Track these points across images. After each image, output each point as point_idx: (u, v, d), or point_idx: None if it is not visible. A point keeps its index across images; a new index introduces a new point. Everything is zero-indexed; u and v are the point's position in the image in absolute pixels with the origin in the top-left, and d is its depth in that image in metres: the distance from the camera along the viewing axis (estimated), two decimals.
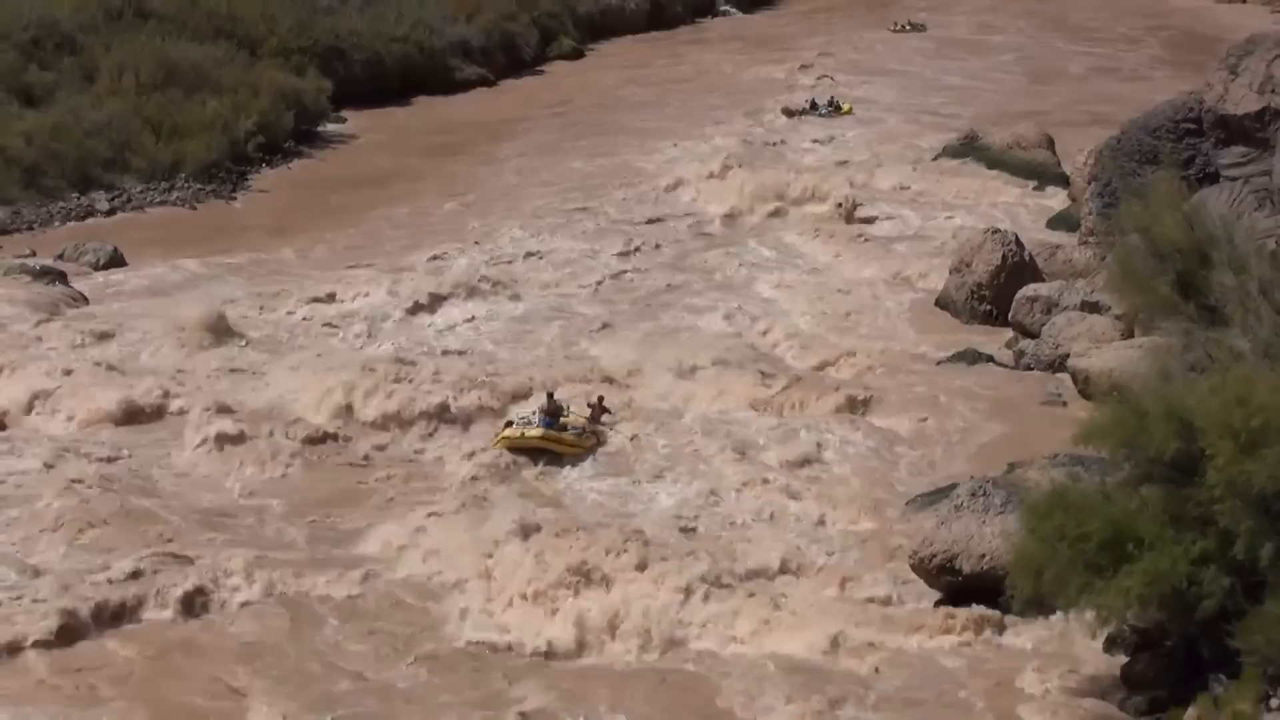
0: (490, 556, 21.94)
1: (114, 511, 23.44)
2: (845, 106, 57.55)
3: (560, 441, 26.72)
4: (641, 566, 21.43)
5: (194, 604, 21.08)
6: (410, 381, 28.39)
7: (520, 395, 28.42)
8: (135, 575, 21.52)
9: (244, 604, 21.23)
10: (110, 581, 21.27)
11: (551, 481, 25.61)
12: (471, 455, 26.39)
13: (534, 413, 27.11)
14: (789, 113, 56.98)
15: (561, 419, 27.00)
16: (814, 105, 57.51)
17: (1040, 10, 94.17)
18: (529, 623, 20.65)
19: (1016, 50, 76.48)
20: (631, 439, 27.12)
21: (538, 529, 22.55)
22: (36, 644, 19.90)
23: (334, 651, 20.26)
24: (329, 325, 32.98)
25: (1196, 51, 60.21)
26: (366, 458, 26.66)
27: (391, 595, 21.65)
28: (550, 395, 27.41)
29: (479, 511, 23.56)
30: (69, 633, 20.20)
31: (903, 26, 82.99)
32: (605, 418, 27.80)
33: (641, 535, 22.38)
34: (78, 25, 52.45)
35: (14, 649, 19.82)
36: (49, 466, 25.01)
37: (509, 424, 27.12)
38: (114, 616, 20.71)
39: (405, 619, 21.10)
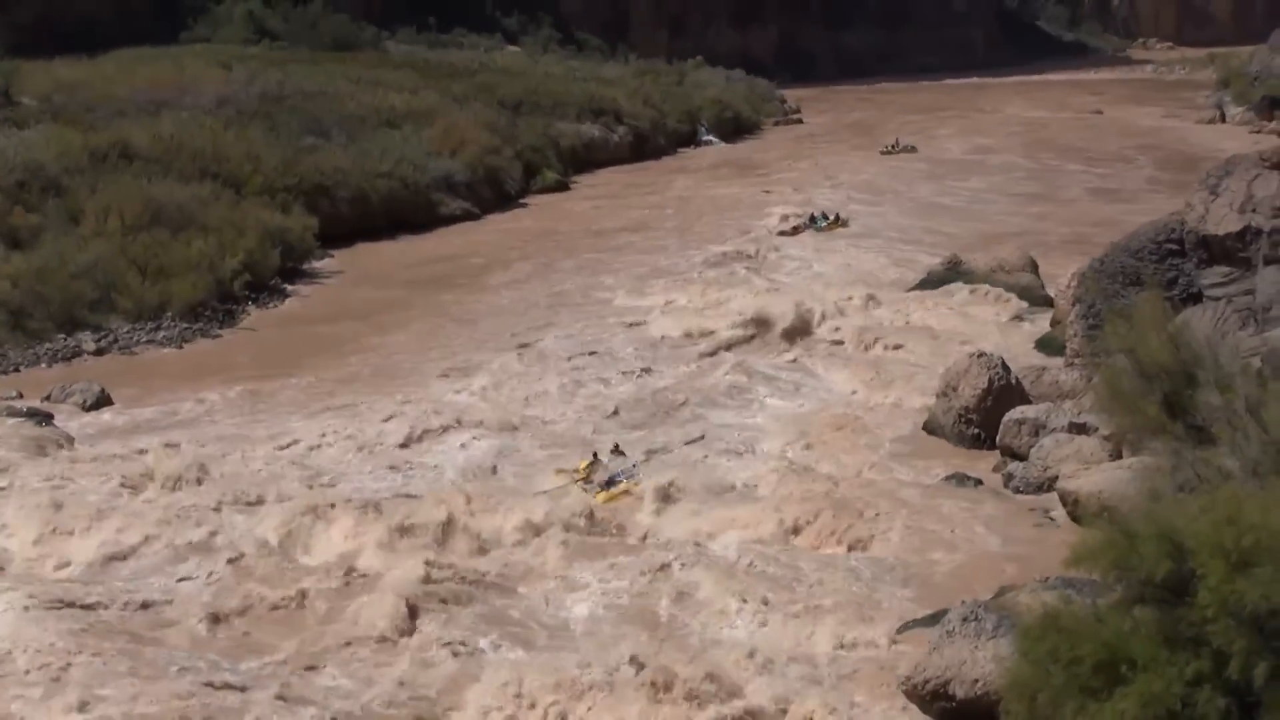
0: None
1: None
2: (842, 218, 58.83)
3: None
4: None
5: None
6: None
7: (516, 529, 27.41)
8: None
9: None
10: None
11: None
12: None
13: (623, 465, 28.11)
14: (787, 228, 57.88)
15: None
16: (813, 219, 58.52)
17: (1023, 132, 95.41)
18: None
19: (1007, 171, 77.40)
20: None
21: None
22: None
23: None
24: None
25: (1189, 171, 60.65)
26: None
27: None
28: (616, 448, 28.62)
29: None
30: None
31: (892, 146, 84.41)
32: None
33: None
34: (63, 168, 52.61)
35: None
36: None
37: (611, 482, 27.25)
38: None
39: None
